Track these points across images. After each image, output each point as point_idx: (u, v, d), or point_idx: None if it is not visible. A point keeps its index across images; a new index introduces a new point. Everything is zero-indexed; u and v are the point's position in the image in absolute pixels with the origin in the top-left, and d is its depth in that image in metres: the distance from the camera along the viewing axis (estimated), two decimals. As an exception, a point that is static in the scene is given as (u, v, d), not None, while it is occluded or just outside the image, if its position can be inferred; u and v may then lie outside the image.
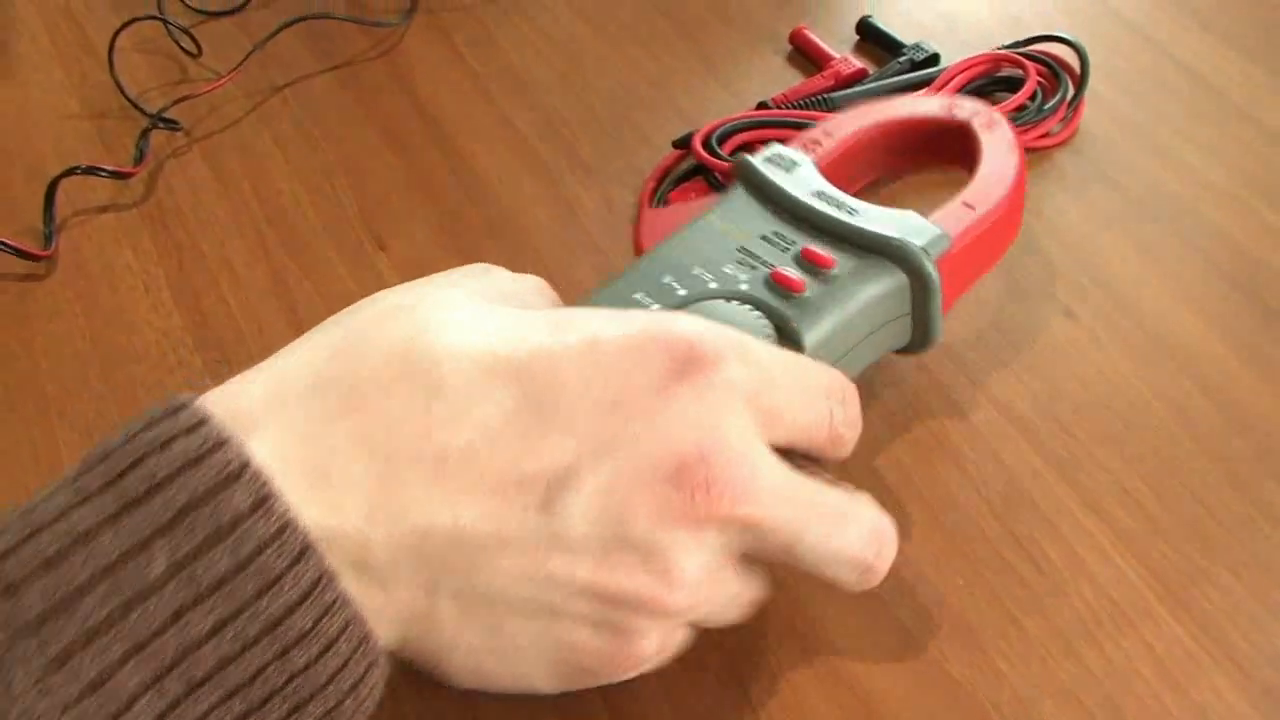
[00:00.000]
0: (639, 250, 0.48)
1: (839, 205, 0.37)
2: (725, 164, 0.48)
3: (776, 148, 0.40)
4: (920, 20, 0.57)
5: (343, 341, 0.29)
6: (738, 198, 0.39)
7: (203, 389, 0.44)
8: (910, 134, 0.43)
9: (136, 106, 0.56)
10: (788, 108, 0.50)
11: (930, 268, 0.35)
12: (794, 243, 0.37)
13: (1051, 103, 0.49)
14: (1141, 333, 0.43)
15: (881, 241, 0.36)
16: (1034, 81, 0.49)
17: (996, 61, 0.51)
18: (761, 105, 0.52)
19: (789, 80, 0.54)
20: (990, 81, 0.51)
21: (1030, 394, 0.42)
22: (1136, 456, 0.40)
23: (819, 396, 0.32)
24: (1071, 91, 0.50)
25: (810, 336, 0.34)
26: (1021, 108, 0.49)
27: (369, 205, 0.51)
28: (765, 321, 0.34)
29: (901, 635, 0.36)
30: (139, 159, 0.53)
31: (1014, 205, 0.39)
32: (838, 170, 0.41)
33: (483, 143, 0.54)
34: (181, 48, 0.58)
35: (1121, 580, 0.37)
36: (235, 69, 0.56)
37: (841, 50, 0.55)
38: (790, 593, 0.37)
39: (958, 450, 0.40)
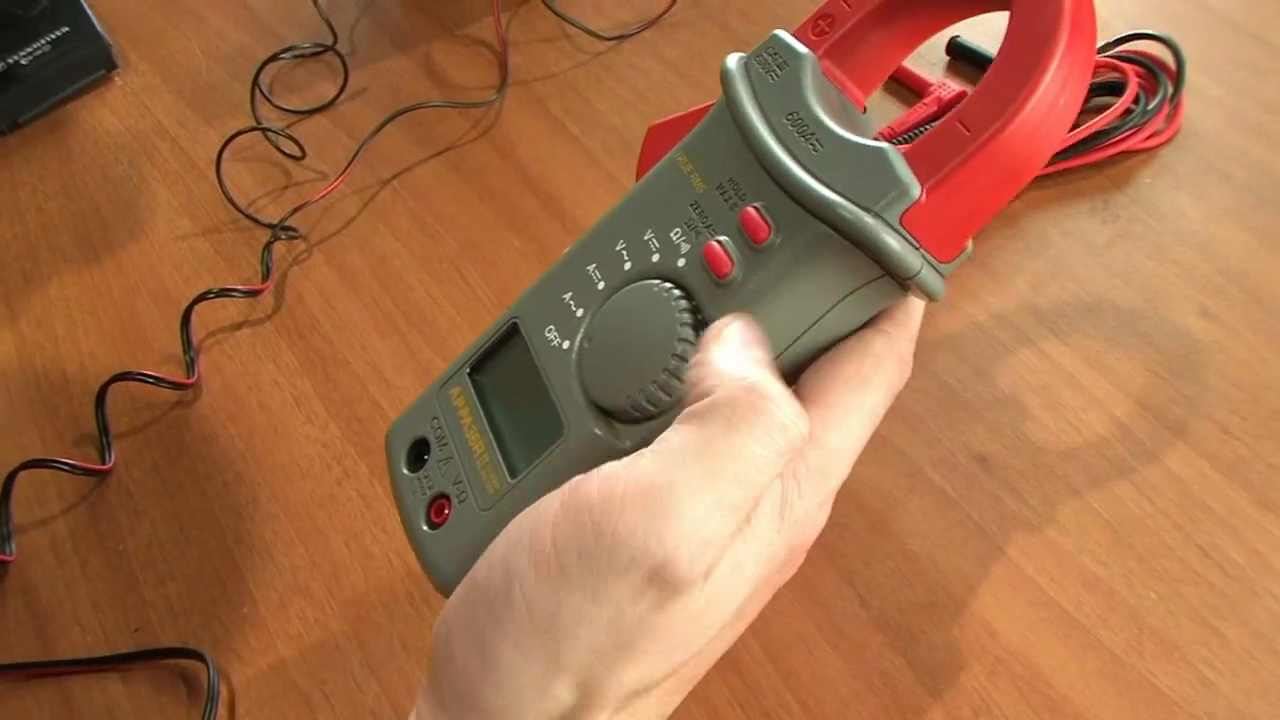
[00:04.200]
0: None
1: (807, 134, 0.28)
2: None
3: (777, 36, 0.30)
4: (1005, 32, 0.56)
5: None
6: (713, 122, 0.30)
7: (372, 498, 0.46)
8: None
9: (251, 218, 0.56)
10: (898, 141, 0.50)
11: (886, 240, 0.26)
12: (744, 196, 0.29)
13: (1154, 103, 0.49)
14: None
15: (823, 206, 0.26)
16: (1135, 83, 0.49)
17: (1094, 68, 0.51)
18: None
19: (890, 112, 0.53)
20: (1091, 89, 0.51)
21: (1183, 398, 0.42)
22: (1304, 451, 0.40)
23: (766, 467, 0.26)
24: (1171, 88, 0.50)
25: None
26: (1127, 112, 0.49)
27: (503, 290, 0.51)
28: (687, 315, 0.28)
29: (1105, 656, 0.37)
30: (266, 274, 0.53)
31: (1039, 120, 0.26)
32: (863, 53, 0.31)
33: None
34: (283, 152, 0.58)
35: (1310, 576, 0.37)
36: (345, 170, 0.56)
37: (934, 73, 0.54)
38: (994, 630, 0.38)
39: (1125, 464, 0.41)
